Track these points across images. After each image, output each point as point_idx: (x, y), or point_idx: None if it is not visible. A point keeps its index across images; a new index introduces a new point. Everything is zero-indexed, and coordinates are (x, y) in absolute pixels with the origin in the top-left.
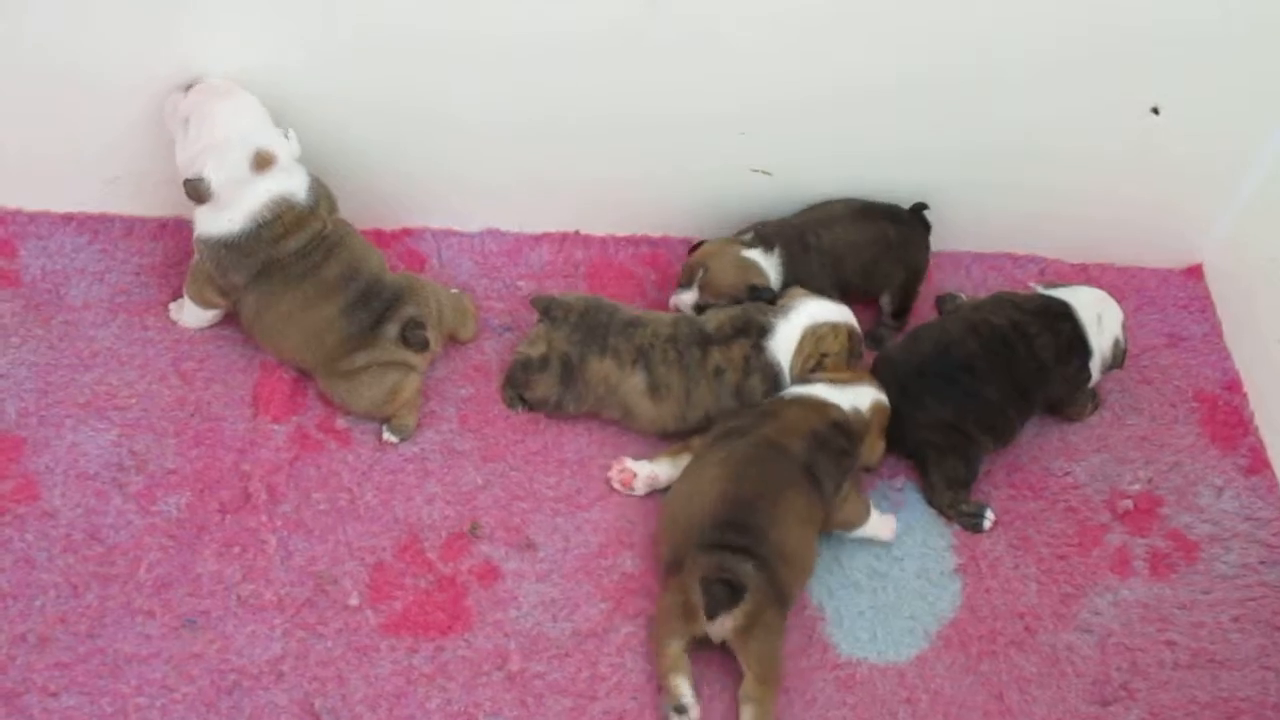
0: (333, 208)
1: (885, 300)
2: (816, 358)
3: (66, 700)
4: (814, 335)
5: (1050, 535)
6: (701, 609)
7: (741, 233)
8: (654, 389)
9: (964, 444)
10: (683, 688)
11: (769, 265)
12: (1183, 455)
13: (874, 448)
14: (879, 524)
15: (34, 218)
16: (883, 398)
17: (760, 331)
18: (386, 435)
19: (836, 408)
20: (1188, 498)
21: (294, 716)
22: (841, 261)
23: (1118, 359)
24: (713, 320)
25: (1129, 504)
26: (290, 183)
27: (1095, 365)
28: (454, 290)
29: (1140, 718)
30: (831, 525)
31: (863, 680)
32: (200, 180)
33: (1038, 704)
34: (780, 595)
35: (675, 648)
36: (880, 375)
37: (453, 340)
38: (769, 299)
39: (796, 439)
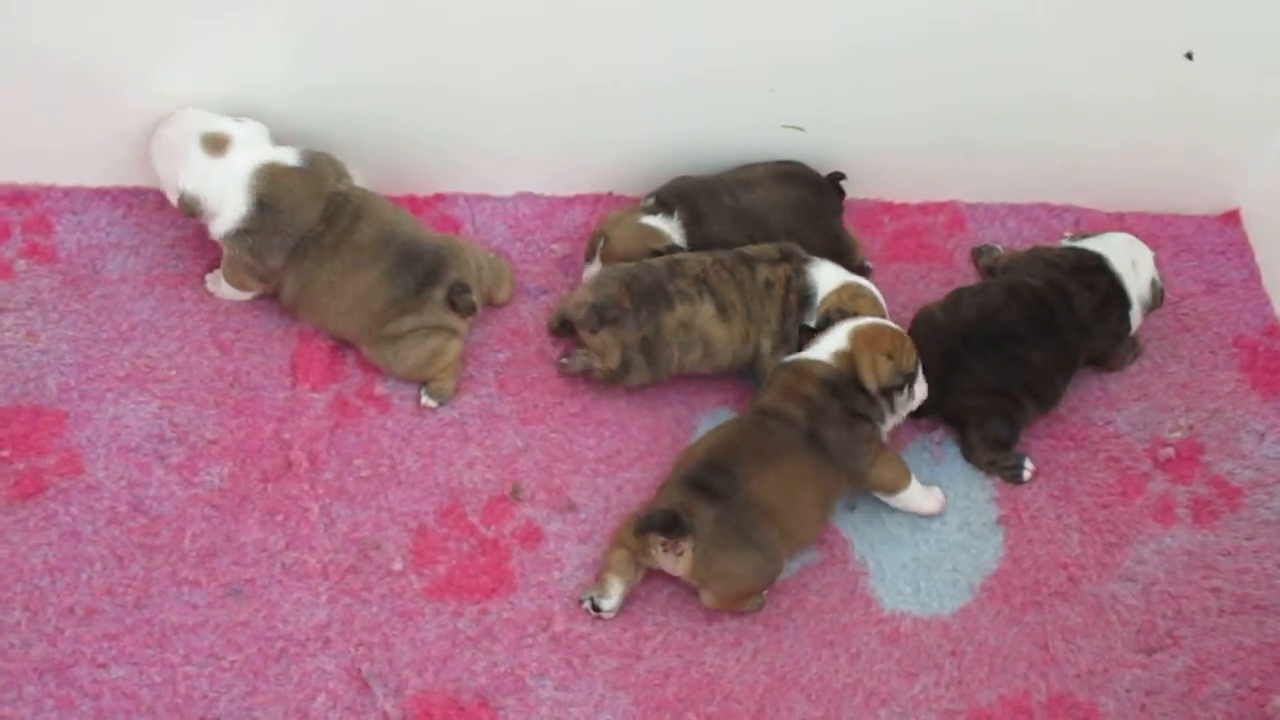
0: (341, 175)
1: None
2: (850, 310)
3: (116, 671)
4: (854, 291)
5: (1092, 485)
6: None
7: (646, 198)
8: (722, 309)
9: (1009, 407)
10: (613, 589)
11: (670, 228)
12: (1223, 402)
13: (875, 368)
14: (922, 495)
15: (68, 193)
16: (861, 321)
17: (801, 259)
18: (425, 400)
19: (818, 363)
20: (1229, 444)
21: (341, 682)
22: (762, 221)
23: (1156, 300)
24: (751, 248)
25: (1170, 452)
26: (268, 151)
27: (1136, 313)
28: (490, 255)
29: (1186, 665)
30: (870, 487)
31: (907, 633)
32: (182, 195)
33: (1083, 654)
34: (748, 541)
35: (623, 554)
36: (920, 333)
37: (488, 303)
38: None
39: (794, 405)
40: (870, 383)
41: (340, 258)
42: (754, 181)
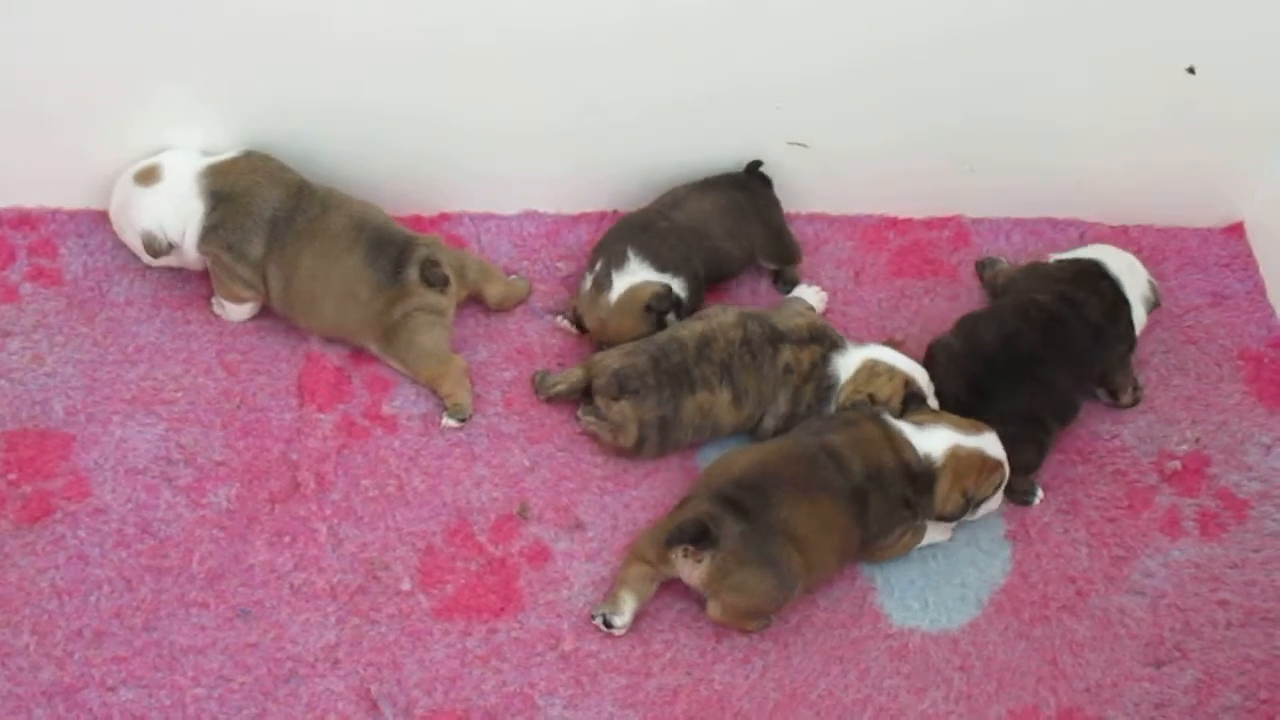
0: (291, 170)
1: (767, 264)
2: (863, 395)
3: (125, 694)
4: (870, 370)
5: (1099, 499)
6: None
7: (595, 272)
8: (737, 398)
9: (1038, 432)
10: (625, 604)
11: (645, 272)
12: (1229, 414)
13: (947, 498)
14: (933, 531)
15: (74, 216)
16: (967, 442)
17: (833, 344)
18: (446, 420)
19: (910, 447)
20: (1236, 456)
21: (350, 703)
22: (704, 232)
23: (1157, 297)
24: (786, 320)
25: (1177, 465)
26: (204, 158)
27: (1140, 313)
28: (513, 276)
29: (1195, 678)
30: (878, 560)
31: (916, 649)
32: (143, 237)
33: (1091, 667)
34: (769, 562)
35: (640, 569)
36: (940, 365)
37: (480, 299)
38: (666, 303)
39: (860, 460)
40: (938, 506)
41: (317, 245)
42: (677, 200)
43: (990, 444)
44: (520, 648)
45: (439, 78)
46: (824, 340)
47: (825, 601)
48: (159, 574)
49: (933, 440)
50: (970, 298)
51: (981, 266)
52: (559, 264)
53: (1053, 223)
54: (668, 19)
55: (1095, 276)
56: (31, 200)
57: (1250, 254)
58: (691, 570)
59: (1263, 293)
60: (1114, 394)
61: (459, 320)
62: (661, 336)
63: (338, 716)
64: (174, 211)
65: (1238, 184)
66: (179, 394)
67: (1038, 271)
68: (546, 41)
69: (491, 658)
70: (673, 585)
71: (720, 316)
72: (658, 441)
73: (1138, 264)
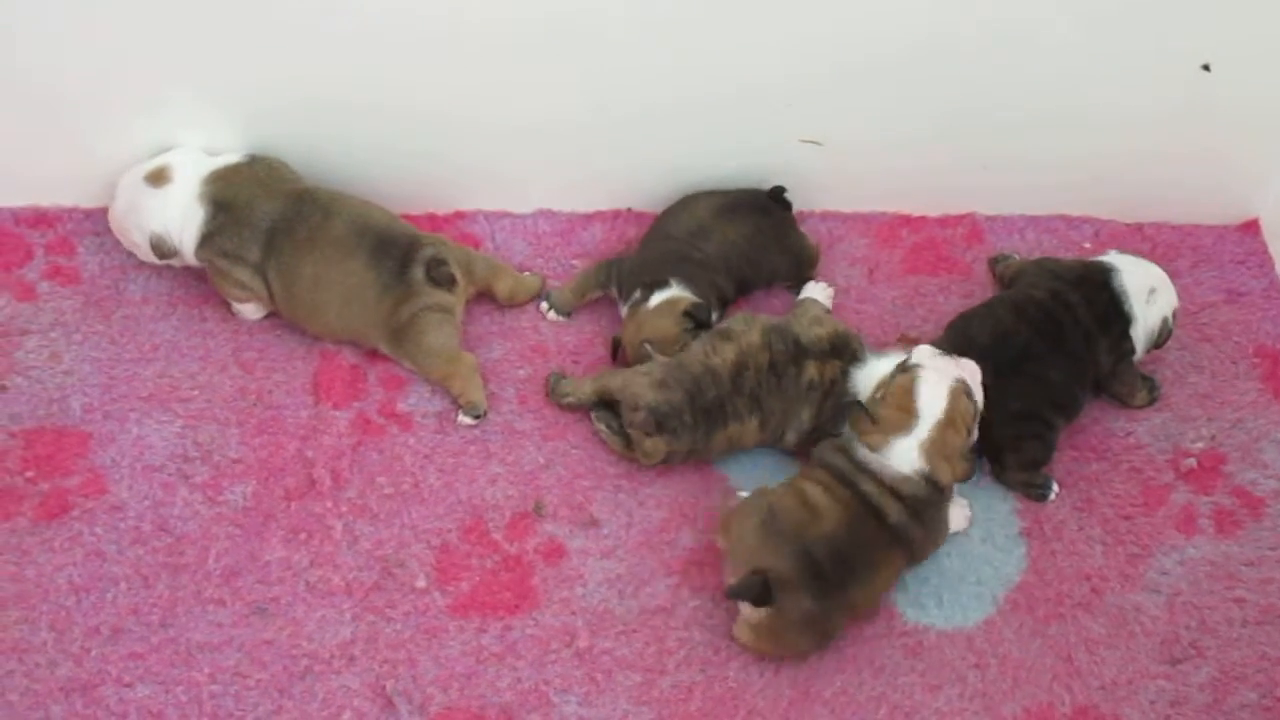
0: (297, 176)
1: (784, 283)
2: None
3: (141, 690)
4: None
5: (1114, 496)
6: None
7: (632, 300)
8: (764, 422)
9: (1041, 429)
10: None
11: (681, 291)
12: (1245, 412)
13: (952, 473)
14: (954, 516)
15: (90, 214)
16: (919, 438)
17: (853, 357)
18: (461, 418)
19: (908, 479)
20: (1252, 454)
21: (366, 699)
22: (731, 262)
23: (1162, 338)
24: (809, 332)
25: (1192, 462)
26: (210, 160)
27: (1139, 336)
28: (527, 274)
29: (1211, 676)
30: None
31: (930, 647)
32: (151, 239)
33: (1107, 665)
34: (822, 634)
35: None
36: None
37: (489, 296)
38: (704, 313)
39: (893, 503)
40: (948, 481)
41: (319, 251)
42: (706, 229)
43: (931, 397)
44: (535, 645)
45: (453, 77)
46: (845, 353)
47: None
48: (175, 571)
49: (908, 456)
50: (984, 295)
51: (994, 262)
52: (574, 261)
53: (1067, 220)
54: (680, 16)
55: (1097, 285)
56: (48, 199)
57: (1265, 251)
58: (750, 613)
59: (1278, 290)
60: (1121, 400)
61: (473, 318)
62: (695, 367)
63: (353, 713)
64: (180, 215)
65: (1253, 181)
66: (195, 392)
67: (1044, 267)
68: (560, 40)
69: (506, 655)
70: (689, 582)
71: (747, 335)
72: (680, 461)
73: (1165, 296)
